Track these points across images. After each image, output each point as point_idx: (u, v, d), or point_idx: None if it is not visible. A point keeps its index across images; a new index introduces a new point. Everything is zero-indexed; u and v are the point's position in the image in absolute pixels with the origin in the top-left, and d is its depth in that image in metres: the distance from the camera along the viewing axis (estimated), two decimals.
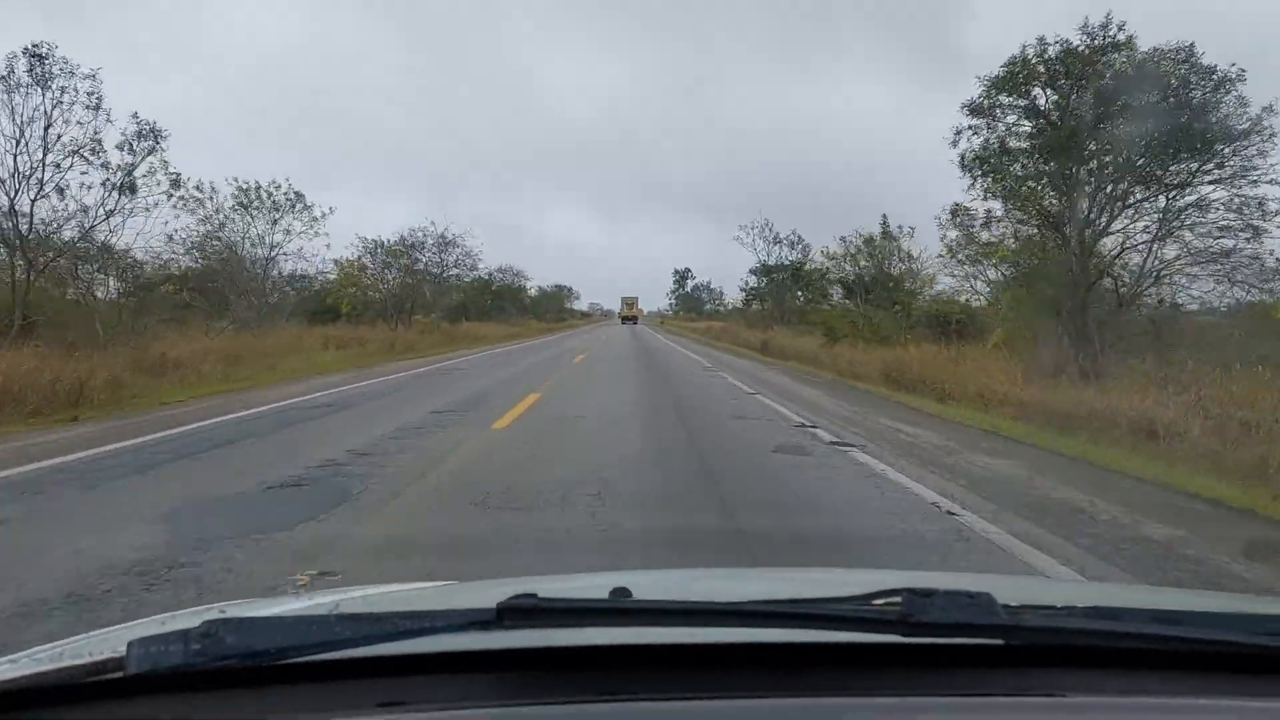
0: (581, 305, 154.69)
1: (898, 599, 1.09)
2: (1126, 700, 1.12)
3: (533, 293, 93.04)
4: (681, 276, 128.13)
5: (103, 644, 1.17)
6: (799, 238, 48.22)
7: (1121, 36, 16.42)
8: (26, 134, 16.71)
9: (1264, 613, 1.49)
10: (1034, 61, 16.90)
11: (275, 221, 28.94)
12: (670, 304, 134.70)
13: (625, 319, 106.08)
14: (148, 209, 19.06)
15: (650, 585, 1.76)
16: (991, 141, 17.22)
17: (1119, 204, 16.69)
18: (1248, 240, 15.70)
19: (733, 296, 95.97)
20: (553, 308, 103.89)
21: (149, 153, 18.65)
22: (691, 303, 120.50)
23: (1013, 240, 18.45)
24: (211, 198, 27.92)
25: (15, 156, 16.69)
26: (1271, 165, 15.57)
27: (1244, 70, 15.66)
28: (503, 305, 67.44)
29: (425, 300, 43.96)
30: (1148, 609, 1.33)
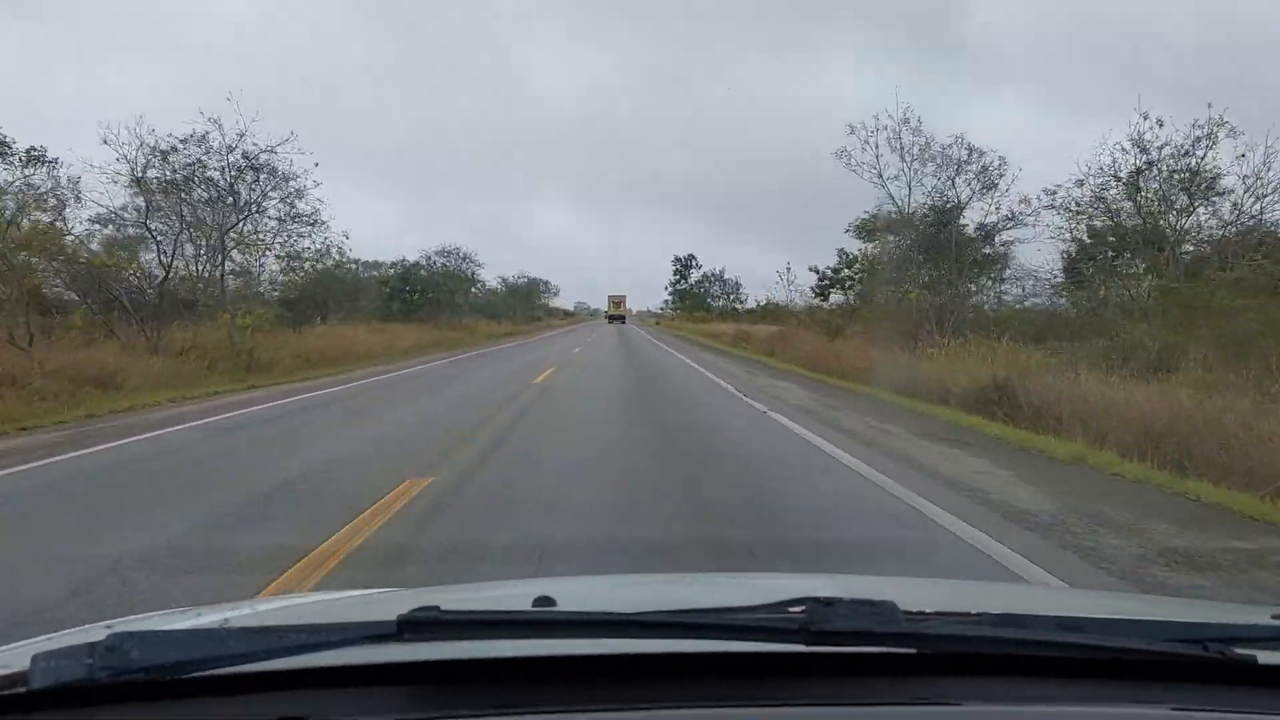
0: (565, 303, 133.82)
1: (803, 607, 1.08)
2: (1018, 709, 1.12)
3: (492, 284, 71.54)
4: (684, 265, 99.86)
5: (9, 658, 1.15)
6: (974, 150, 23.36)
7: None
8: None
9: (1170, 619, 1.50)
10: None
11: None
12: (668, 300, 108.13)
13: (612, 318, 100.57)
14: None
15: (575, 594, 1.71)
16: None
17: None
18: None
19: (750, 290, 74.83)
20: (524, 305, 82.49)
21: None
22: (695, 299, 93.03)
23: None
24: None
25: None
26: None
27: None
28: (438, 300, 45.54)
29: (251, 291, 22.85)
30: (1055, 616, 1.31)
